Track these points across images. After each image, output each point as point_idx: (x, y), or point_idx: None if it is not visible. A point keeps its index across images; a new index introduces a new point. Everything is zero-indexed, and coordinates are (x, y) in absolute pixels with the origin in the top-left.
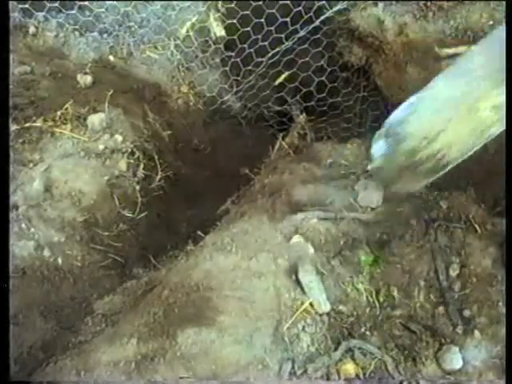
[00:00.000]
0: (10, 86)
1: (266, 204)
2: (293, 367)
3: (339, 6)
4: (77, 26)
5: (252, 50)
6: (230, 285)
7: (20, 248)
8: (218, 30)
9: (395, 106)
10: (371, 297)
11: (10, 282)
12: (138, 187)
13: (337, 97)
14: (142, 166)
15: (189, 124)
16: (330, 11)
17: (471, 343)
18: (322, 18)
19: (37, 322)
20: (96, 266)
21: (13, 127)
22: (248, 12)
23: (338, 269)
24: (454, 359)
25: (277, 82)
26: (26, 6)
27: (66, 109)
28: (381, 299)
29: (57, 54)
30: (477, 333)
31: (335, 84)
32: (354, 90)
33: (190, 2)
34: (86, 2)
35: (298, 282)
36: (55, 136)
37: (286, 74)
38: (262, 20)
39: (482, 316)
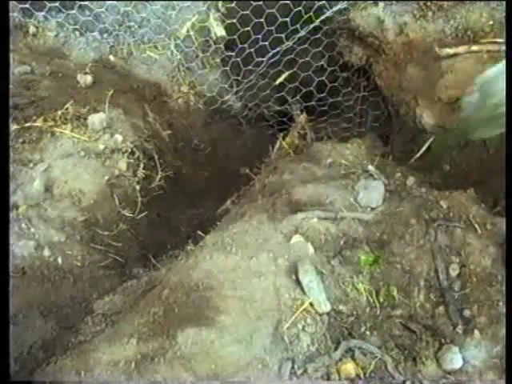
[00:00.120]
0: (10, 86)
1: (266, 204)
2: (293, 367)
3: (339, 6)
4: (77, 26)
5: (252, 49)
6: (230, 284)
7: (20, 248)
8: (218, 30)
9: (395, 105)
10: (371, 297)
11: (10, 282)
12: (138, 187)
13: (337, 96)
14: (142, 165)
15: (189, 124)
16: (330, 11)
17: (471, 343)
18: (322, 17)
19: (37, 322)
20: (96, 265)
21: (13, 127)
22: (248, 12)
23: (338, 269)
24: (454, 359)
25: (277, 82)
26: (26, 5)
27: (67, 109)
28: (381, 299)
29: (57, 54)
30: (477, 333)
31: (335, 84)
32: (354, 90)
33: (190, 2)
34: (86, 2)
35: (297, 282)
36: (55, 136)
37: (287, 73)
38: (262, 20)
39: (482, 316)
